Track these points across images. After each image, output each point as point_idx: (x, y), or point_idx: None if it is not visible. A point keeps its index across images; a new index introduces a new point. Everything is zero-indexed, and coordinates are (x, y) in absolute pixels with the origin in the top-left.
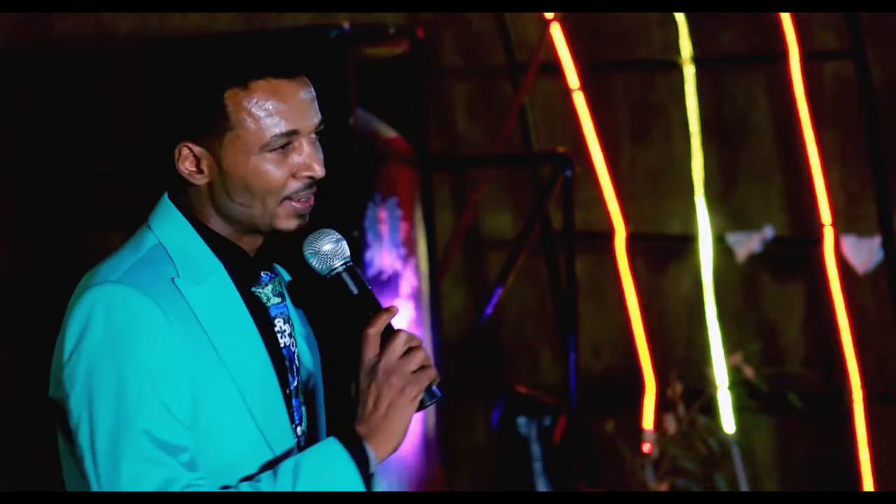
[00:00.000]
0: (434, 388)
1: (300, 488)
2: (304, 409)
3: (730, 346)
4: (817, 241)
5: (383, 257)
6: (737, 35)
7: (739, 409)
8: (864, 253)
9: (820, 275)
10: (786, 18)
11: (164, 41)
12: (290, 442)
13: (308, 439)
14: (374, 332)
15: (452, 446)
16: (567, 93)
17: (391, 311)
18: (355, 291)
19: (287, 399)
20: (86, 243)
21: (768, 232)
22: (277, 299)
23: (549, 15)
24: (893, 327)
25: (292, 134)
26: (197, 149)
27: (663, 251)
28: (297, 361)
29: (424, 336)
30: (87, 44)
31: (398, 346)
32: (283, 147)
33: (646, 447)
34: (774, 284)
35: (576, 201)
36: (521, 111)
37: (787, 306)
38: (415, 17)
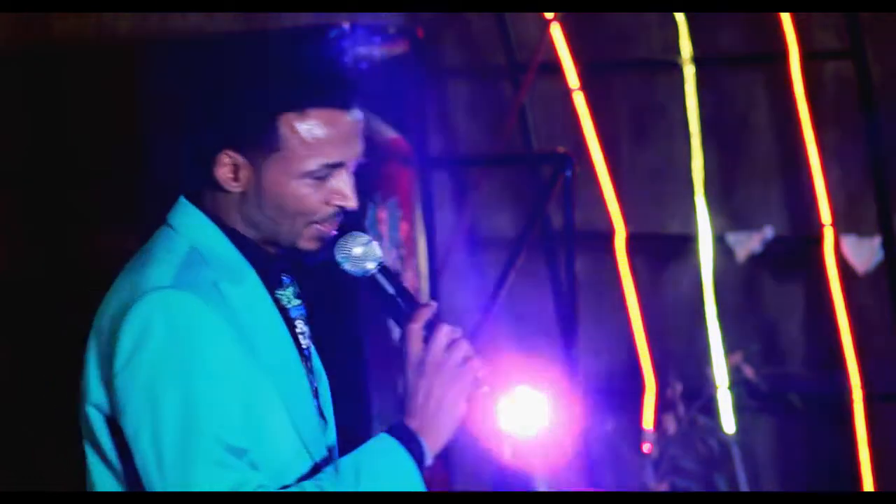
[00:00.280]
0: (482, 377)
1: (363, 487)
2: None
3: (730, 346)
4: (817, 241)
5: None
6: (737, 35)
7: (739, 409)
8: (864, 253)
9: (820, 275)
10: (786, 18)
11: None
12: (323, 442)
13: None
14: (417, 327)
15: (452, 445)
16: (567, 93)
17: (431, 305)
18: (391, 291)
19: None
20: (86, 243)
21: (768, 232)
22: (298, 301)
23: (549, 15)
24: (893, 327)
25: (337, 165)
26: (240, 159)
27: (663, 251)
28: (313, 363)
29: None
30: (87, 44)
31: (442, 339)
32: (323, 176)
33: (646, 447)
34: (774, 284)
35: (576, 201)
36: (521, 111)
37: (787, 306)
38: (415, 17)
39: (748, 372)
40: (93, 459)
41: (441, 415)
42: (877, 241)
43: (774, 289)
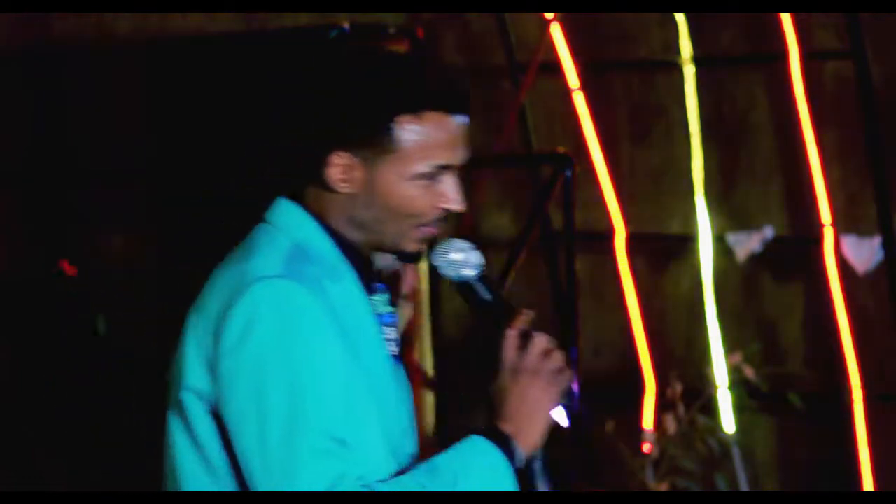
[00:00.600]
0: (570, 389)
1: (460, 488)
2: None
3: (730, 346)
4: (817, 241)
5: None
6: (737, 35)
7: (739, 409)
8: (864, 253)
9: (820, 275)
10: (786, 18)
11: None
12: (406, 449)
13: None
14: (514, 333)
15: None
16: (567, 93)
17: (528, 314)
18: (488, 297)
19: None
20: (86, 243)
21: (768, 232)
22: (389, 308)
23: (549, 15)
24: (893, 327)
25: (447, 168)
26: (352, 160)
27: (663, 251)
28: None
29: (424, 336)
30: (87, 44)
31: (539, 346)
32: (433, 177)
33: (646, 447)
34: (774, 284)
35: (576, 201)
36: (521, 111)
37: (787, 306)
38: (415, 17)
39: (748, 372)
40: (182, 445)
41: (534, 420)
42: (877, 241)
43: (774, 289)
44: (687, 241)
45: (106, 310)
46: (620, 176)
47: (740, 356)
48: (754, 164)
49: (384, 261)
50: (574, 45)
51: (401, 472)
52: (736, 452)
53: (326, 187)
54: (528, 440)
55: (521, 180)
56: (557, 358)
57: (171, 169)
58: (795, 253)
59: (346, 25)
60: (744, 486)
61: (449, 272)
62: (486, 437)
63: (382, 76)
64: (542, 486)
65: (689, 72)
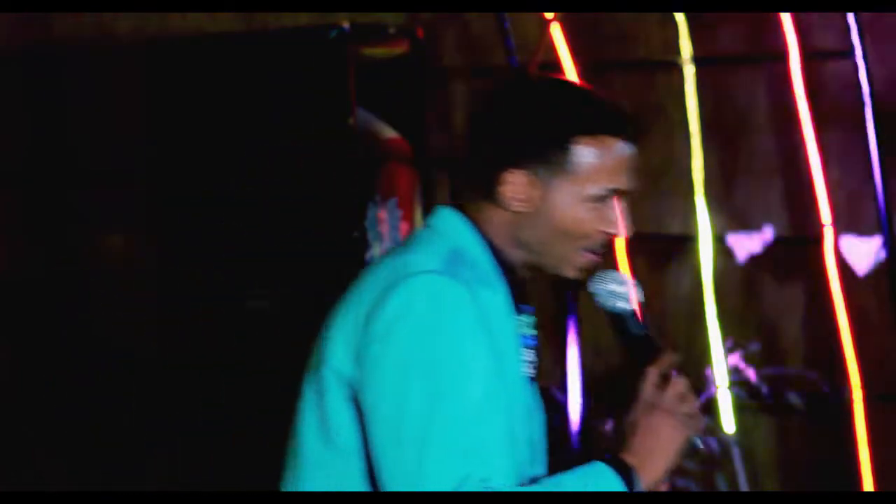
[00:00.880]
0: (697, 437)
1: None
2: None
3: (730, 346)
4: (817, 241)
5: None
6: (737, 35)
7: (739, 409)
8: (864, 253)
9: (820, 275)
10: (786, 18)
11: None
12: (530, 471)
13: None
14: (656, 371)
15: None
16: None
17: (673, 356)
18: (638, 332)
19: None
20: (86, 243)
21: (768, 232)
22: (533, 332)
23: (549, 15)
24: (893, 327)
25: (618, 192)
26: (530, 179)
27: (663, 251)
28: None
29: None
30: (87, 44)
31: (677, 388)
32: (603, 201)
33: None
34: (774, 284)
35: None
36: None
37: (787, 306)
38: (415, 17)
39: (748, 372)
40: (311, 421)
41: (659, 457)
42: (877, 241)
43: (774, 289)
44: (687, 241)
45: (106, 310)
46: None
47: (740, 356)
48: (754, 164)
49: (607, 302)
50: (574, 45)
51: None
52: (736, 452)
53: (495, 204)
54: (650, 475)
55: None
56: (692, 403)
57: (171, 169)
58: (795, 253)
59: (347, 25)
60: (744, 486)
61: (605, 302)
62: (610, 465)
63: (565, 98)
64: None
65: (689, 72)
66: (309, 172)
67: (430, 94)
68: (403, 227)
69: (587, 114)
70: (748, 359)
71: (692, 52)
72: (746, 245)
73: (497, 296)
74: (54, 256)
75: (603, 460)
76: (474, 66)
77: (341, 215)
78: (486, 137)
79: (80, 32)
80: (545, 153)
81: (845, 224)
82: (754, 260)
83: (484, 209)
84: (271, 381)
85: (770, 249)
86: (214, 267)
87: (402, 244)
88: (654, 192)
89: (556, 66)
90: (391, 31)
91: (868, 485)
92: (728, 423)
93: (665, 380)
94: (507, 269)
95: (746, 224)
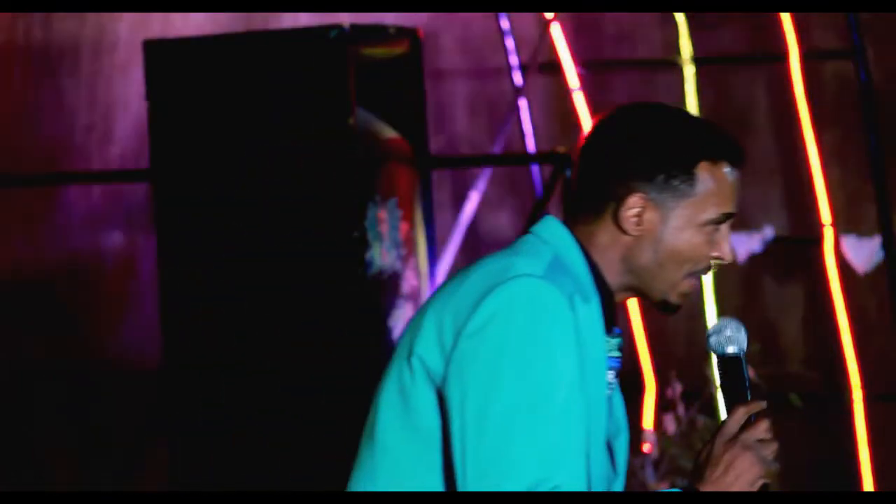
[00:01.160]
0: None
1: None
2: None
3: None
4: (817, 241)
5: (383, 257)
6: (737, 35)
7: None
8: (864, 253)
9: (820, 275)
10: (786, 18)
11: None
12: (605, 480)
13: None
14: (745, 410)
15: None
16: (567, 93)
17: (762, 404)
18: (741, 377)
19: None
20: (86, 243)
21: (768, 232)
22: (618, 353)
23: (549, 15)
24: (893, 327)
25: (730, 217)
26: (651, 203)
27: None
28: (615, 414)
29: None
30: (86, 44)
31: (761, 429)
32: (716, 225)
33: (646, 447)
34: (774, 284)
35: None
36: (521, 111)
37: (787, 306)
38: (415, 17)
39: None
40: (391, 406)
41: (732, 491)
42: (877, 241)
43: (774, 289)
44: None
45: (106, 310)
46: None
47: None
48: (754, 164)
49: (717, 344)
50: (574, 45)
51: None
52: None
53: (608, 225)
54: None
55: (521, 180)
56: (772, 447)
57: (170, 169)
58: (795, 253)
59: (346, 25)
60: None
61: (717, 346)
62: (685, 494)
63: (688, 124)
64: None
65: (689, 72)
66: (309, 172)
67: (430, 94)
68: (403, 227)
69: (709, 140)
70: (748, 359)
71: (692, 52)
72: (746, 245)
73: (592, 311)
74: (54, 256)
75: (677, 487)
76: (474, 66)
77: (341, 215)
78: (609, 160)
79: (80, 32)
80: (669, 178)
81: (845, 224)
82: (754, 260)
83: (595, 230)
84: (271, 381)
85: (770, 249)
86: (214, 267)
87: (508, 248)
88: None
89: (556, 66)
90: (391, 31)
91: (868, 484)
92: None
93: (748, 422)
94: (605, 287)
95: (746, 224)
